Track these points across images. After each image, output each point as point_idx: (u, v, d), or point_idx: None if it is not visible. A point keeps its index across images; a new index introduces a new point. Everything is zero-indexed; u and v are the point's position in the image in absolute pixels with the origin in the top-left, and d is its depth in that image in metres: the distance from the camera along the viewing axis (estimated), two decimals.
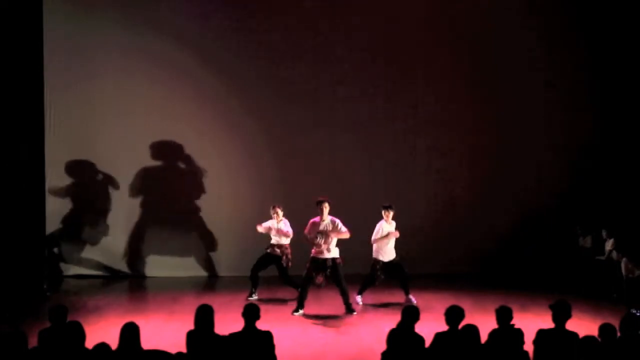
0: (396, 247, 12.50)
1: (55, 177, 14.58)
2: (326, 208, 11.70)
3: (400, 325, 7.44)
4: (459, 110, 15.36)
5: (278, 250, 12.68)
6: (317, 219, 11.77)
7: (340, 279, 11.72)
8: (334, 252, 11.75)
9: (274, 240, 12.74)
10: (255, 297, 12.66)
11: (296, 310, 11.68)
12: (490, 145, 15.39)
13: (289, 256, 12.71)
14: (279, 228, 12.64)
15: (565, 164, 15.41)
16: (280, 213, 12.68)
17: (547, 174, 15.42)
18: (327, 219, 11.72)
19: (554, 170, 15.41)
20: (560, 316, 7.40)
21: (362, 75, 15.18)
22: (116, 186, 14.84)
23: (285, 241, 12.70)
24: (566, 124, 15.45)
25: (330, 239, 11.69)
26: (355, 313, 11.70)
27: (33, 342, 6.88)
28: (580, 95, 15.46)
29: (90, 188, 14.86)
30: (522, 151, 15.43)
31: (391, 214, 12.33)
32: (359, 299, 12.39)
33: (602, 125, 15.43)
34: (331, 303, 12.01)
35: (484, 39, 15.27)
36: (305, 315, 11.61)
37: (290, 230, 12.63)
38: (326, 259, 11.69)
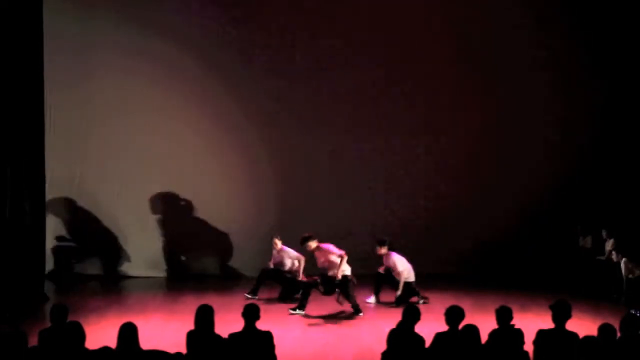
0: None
1: (55, 176, 14.56)
2: (312, 246, 11.84)
3: (400, 325, 7.44)
4: (458, 111, 15.34)
5: (289, 276, 12.74)
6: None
7: (350, 296, 11.68)
8: (345, 270, 11.69)
9: (287, 267, 12.78)
10: (250, 296, 12.61)
11: (294, 310, 11.64)
12: (490, 145, 15.37)
13: (301, 270, 12.75)
14: (291, 267, 12.70)
15: (565, 163, 15.38)
16: (279, 243, 12.75)
17: (547, 174, 15.38)
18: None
19: (554, 170, 15.37)
20: (560, 316, 7.39)
21: (362, 75, 15.15)
22: (116, 186, 14.82)
23: (297, 264, 12.71)
24: (566, 124, 15.43)
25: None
26: (362, 314, 11.67)
27: (33, 342, 6.88)
28: (581, 95, 15.43)
29: (90, 188, 14.85)
30: (522, 151, 15.40)
31: None
32: (372, 300, 12.48)
33: (603, 125, 15.41)
34: (331, 303, 11.98)
35: (483, 39, 15.23)
36: (306, 315, 11.60)
37: (295, 263, 12.66)
38: (335, 275, 11.69)
